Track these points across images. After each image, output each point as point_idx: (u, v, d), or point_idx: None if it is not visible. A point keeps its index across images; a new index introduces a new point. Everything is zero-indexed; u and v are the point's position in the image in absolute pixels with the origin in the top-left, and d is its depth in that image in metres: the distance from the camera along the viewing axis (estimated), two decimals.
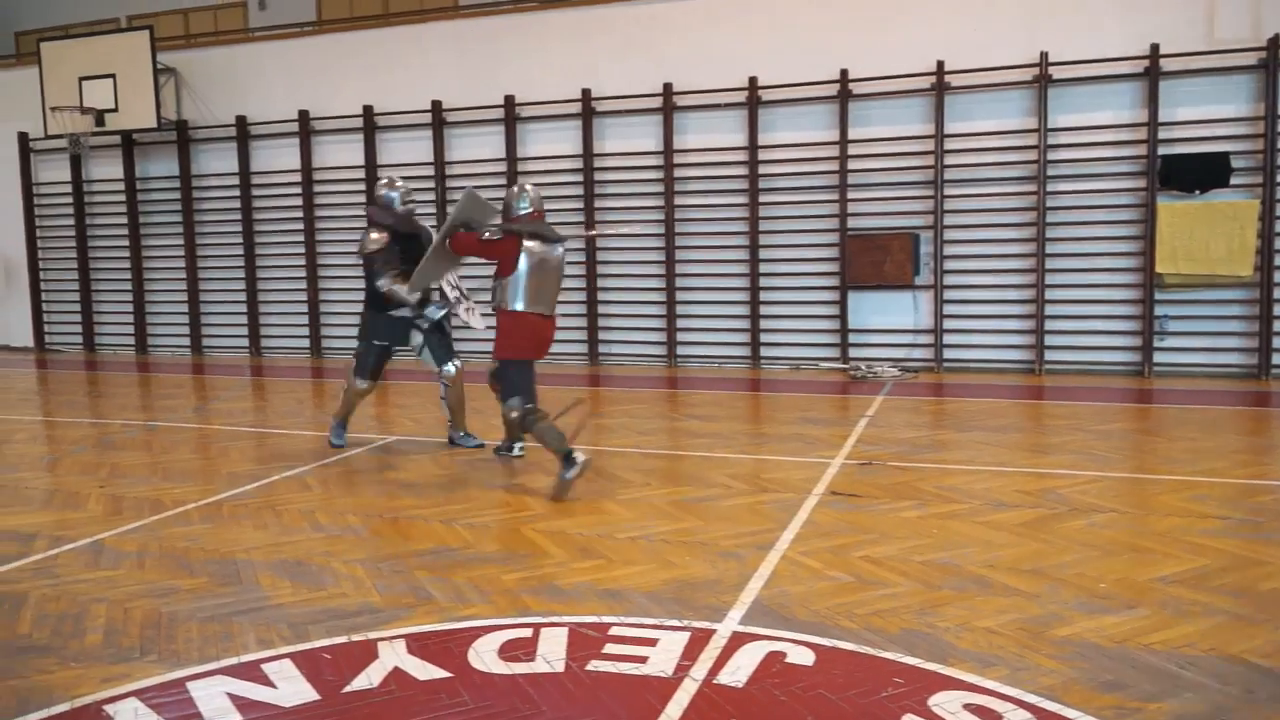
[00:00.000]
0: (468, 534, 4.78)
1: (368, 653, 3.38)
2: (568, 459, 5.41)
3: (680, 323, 11.25)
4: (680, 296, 11.22)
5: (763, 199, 10.75)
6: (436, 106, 11.93)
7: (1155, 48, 9.27)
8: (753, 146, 10.66)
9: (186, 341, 13.55)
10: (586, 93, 11.26)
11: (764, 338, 10.89)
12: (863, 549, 4.33)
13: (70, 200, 13.96)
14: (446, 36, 12.06)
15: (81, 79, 12.72)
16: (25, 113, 13.86)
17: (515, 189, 6.08)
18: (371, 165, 12.27)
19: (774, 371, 10.62)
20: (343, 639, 3.50)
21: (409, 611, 3.76)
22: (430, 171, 11.98)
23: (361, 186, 12.37)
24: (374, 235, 6.61)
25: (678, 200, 11.09)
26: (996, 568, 4.07)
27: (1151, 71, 9.32)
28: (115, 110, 12.63)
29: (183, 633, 3.59)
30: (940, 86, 9.96)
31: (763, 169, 10.72)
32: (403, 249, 6.65)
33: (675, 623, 3.52)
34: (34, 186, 14.17)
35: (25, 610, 3.84)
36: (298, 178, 12.69)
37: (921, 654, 3.19)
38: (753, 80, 10.60)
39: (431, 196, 11.86)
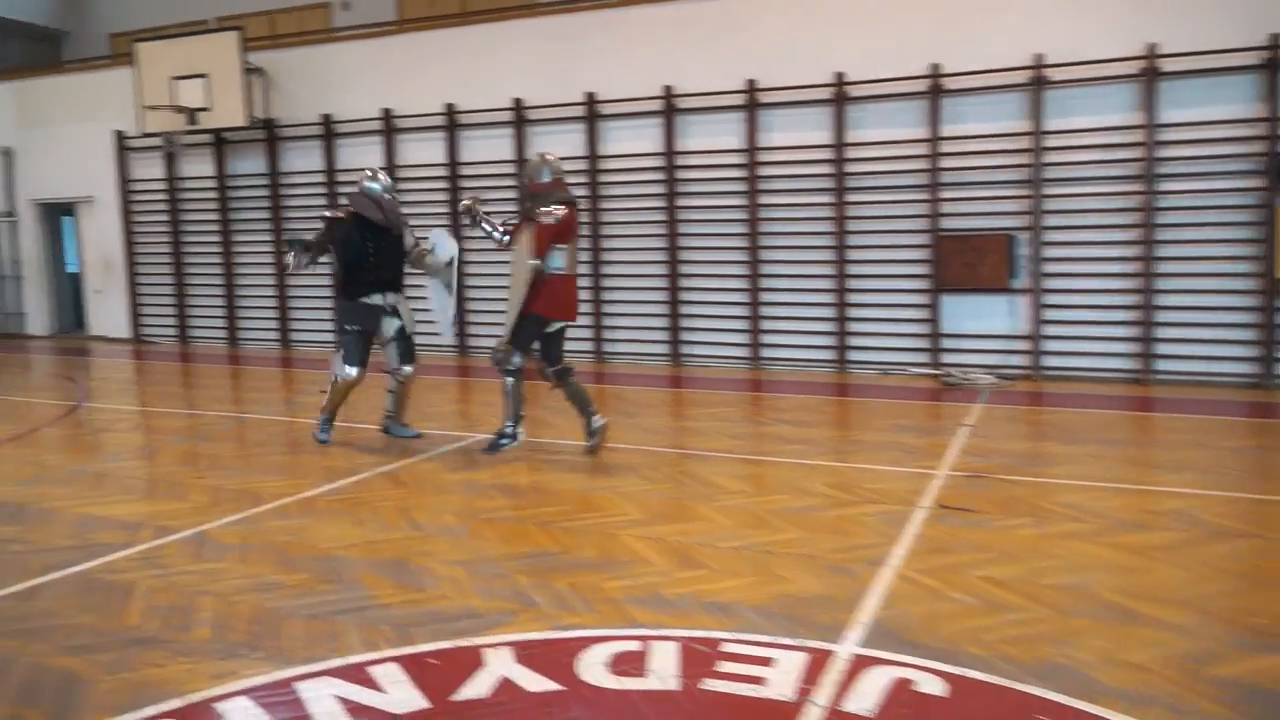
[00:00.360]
0: (565, 538, 4.70)
1: (474, 659, 3.31)
2: (516, 422, 6.58)
3: (764, 324, 11.06)
4: (764, 298, 11.02)
5: (849, 198, 10.50)
6: (517, 104, 11.92)
7: (1276, 37, 8.81)
8: (839, 144, 10.42)
9: (274, 335, 13.78)
10: (669, 89, 11.13)
11: (850, 341, 10.65)
12: (983, 569, 4.13)
13: (164, 197, 14.31)
14: (526, 34, 12.04)
15: (174, 78, 13.01)
16: (121, 112, 14.24)
17: (536, 159, 6.65)
18: (454, 163, 12.32)
19: (861, 376, 10.37)
20: (448, 643, 3.44)
21: (512, 617, 3.69)
22: (511, 169, 11.98)
23: (444, 184, 12.44)
24: (327, 214, 6.83)
25: (761, 199, 10.90)
26: (1135, 595, 3.83)
27: (1271, 64, 8.85)
28: (207, 109, 12.88)
29: (288, 630, 3.56)
30: (1038, 81, 9.61)
31: (849, 167, 10.47)
32: (377, 244, 6.71)
33: (790, 641, 3.38)
34: (129, 184, 14.56)
35: (134, 600, 3.86)
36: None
37: (1064, 688, 2.99)
38: (839, 76, 10.35)
39: (514, 194, 11.84)
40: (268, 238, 13.64)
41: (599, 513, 5.16)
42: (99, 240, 15.11)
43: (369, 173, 6.90)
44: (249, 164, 13.72)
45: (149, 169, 14.44)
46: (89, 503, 5.39)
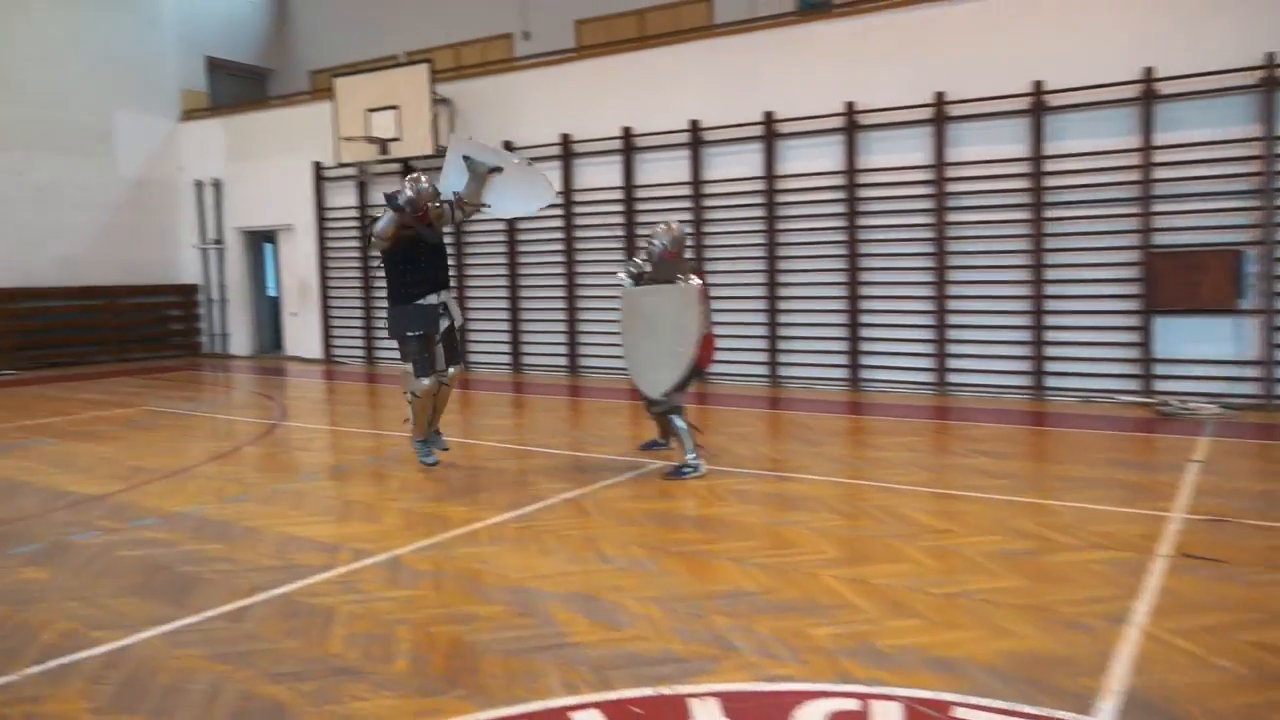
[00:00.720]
0: (761, 576, 4.44)
1: (679, 710, 3.10)
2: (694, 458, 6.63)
3: (951, 347, 10.48)
4: (951, 319, 10.45)
5: (1048, 213, 9.83)
6: (694, 125, 11.82)
7: None
8: (1037, 157, 9.77)
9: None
10: (850, 105, 10.76)
11: (1049, 366, 9.93)
12: (1251, 631, 3.61)
13: (356, 224, 15.01)
14: (704, 55, 11.94)
15: (369, 110, 13.62)
16: (319, 144, 15.07)
17: (676, 229, 6.88)
18: (630, 185, 12.33)
19: (1059, 404, 9.64)
20: (650, 690, 3.25)
21: (715, 664, 3.46)
22: (688, 191, 11.88)
23: (620, 206, 12.47)
24: (384, 215, 6.37)
25: (950, 217, 10.36)
26: None
27: None
28: (398, 139, 13.41)
29: (486, 666, 3.46)
30: (1269, 82, 8.72)
31: (1048, 180, 9.81)
32: (426, 244, 6.52)
33: (1035, 710, 3.01)
34: (325, 211, 15.35)
35: (335, 627, 3.86)
36: (559, 199, 12.97)
37: None
38: (1038, 85, 9.72)
39: (689, 216, 11.74)
40: (451, 262, 14.03)
41: (794, 549, 4.87)
42: (296, 265, 16.01)
43: (413, 177, 6.59)
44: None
45: (342, 197, 15.19)
46: (289, 522, 5.53)
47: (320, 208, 15.34)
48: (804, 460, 7.18)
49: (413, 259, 6.49)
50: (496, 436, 8.41)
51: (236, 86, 18.91)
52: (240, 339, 17.10)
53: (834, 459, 7.27)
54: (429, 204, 6.44)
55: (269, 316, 17.46)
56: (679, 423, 6.66)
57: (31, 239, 15.05)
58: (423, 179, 6.48)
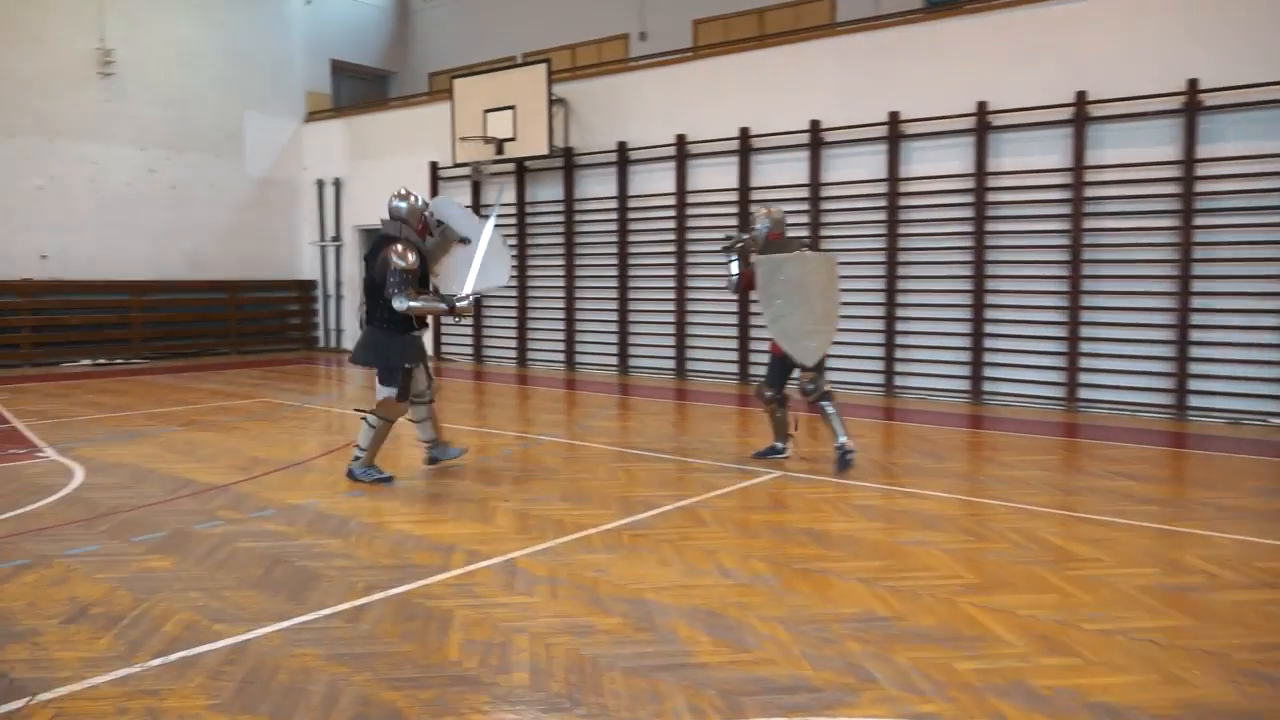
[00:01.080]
0: (895, 600, 4.16)
1: None
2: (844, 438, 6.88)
3: (1085, 361, 9.91)
4: (1085, 332, 9.88)
5: (1198, 221, 9.19)
6: (814, 126, 11.50)
7: None
8: (1189, 160, 9.15)
9: (561, 357, 14.15)
10: (982, 105, 10.29)
11: (1193, 384, 9.28)
12: None
13: None
14: (826, 53, 11.62)
15: (486, 111, 13.71)
16: (436, 144, 15.28)
17: (776, 213, 7.12)
18: (745, 187, 12.09)
19: (1205, 425, 9.00)
20: None
21: (852, 696, 3.21)
22: (805, 194, 11.57)
23: (734, 209, 12.24)
24: (410, 256, 6.15)
25: (1088, 223, 9.80)
26: None
27: None
28: (513, 139, 13.45)
29: (608, 683, 3.29)
30: None
31: (1200, 185, 9.17)
32: (424, 269, 6.46)
33: None
34: None
35: (452, 632, 3.75)
36: (672, 200, 12.82)
37: None
38: (1192, 83, 9.10)
39: (806, 219, 11.43)
40: (560, 262, 14.05)
41: (927, 572, 4.57)
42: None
43: (402, 191, 6.47)
44: (546, 191, 14.23)
45: (457, 197, 15.32)
46: (404, 520, 5.49)
47: None
48: (927, 475, 6.83)
49: (424, 285, 6.43)
50: (604, 438, 8.27)
51: (358, 88, 19.37)
52: (353, 334, 17.46)
53: (959, 475, 6.89)
54: (425, 216, 6.44)
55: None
56: (830, 408, 6.81)
57: (164, 234, 15.66)
58: (415, 195, 6.42)
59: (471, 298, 6.42)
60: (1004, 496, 6.16)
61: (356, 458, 6.44)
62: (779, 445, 7.30)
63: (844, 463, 6.82)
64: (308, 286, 17.72)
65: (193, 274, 15.94)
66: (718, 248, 7.31)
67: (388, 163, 16.34)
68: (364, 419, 6.41)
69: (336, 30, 18.37)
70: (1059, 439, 8.57)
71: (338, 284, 17.45)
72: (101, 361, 14.55)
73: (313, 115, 17.68)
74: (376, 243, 6.32)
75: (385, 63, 19.55)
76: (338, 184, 17.21)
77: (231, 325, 16.51)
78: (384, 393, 6.32)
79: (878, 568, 4.64)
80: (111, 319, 14.92)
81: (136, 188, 15.31)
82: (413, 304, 6.11)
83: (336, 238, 17.26)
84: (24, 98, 13.96)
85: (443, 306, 6.27)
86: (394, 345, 6.29)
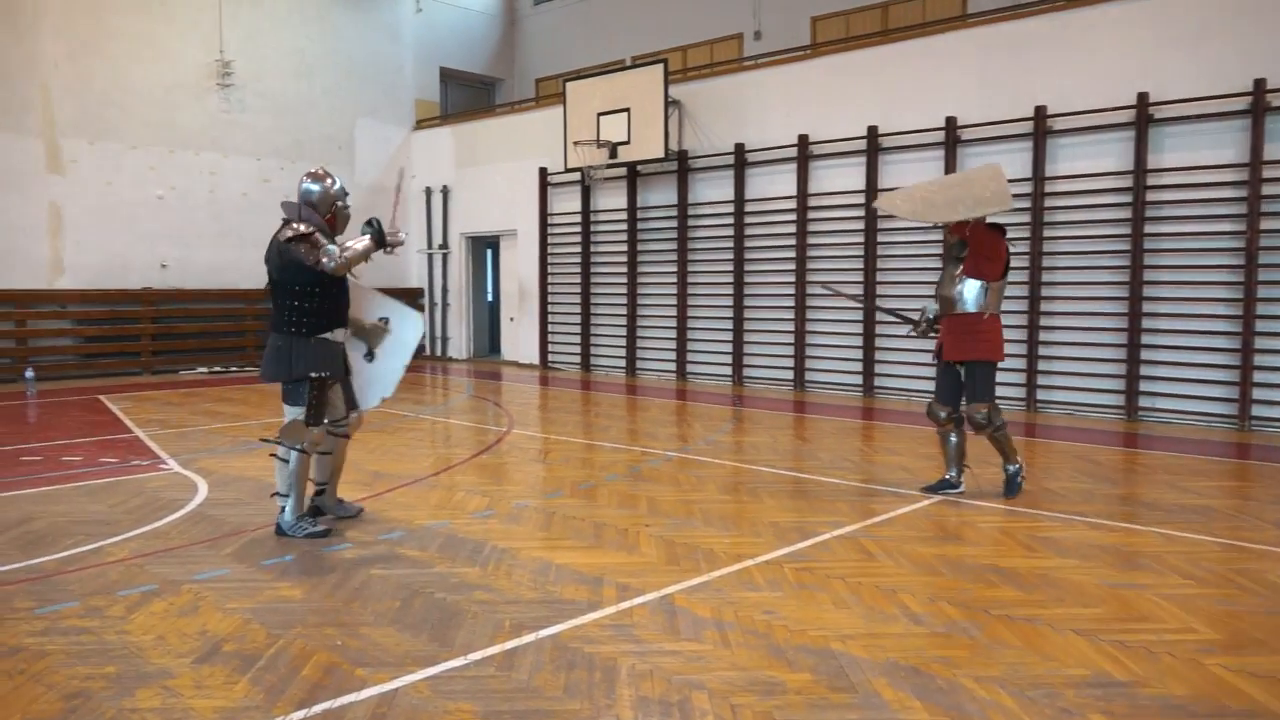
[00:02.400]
0: (1128, 659, 3.53)
1: None
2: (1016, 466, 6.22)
3: (1259, 375, 8.99)
4: (1260, 344, 8.96)
5: None
6: (950, 123, 10.79)
7: None
8: None
9: (672, 367, 13.68)
10: (1143, 97, 9.46)
11: None
12: None
13: (578, 229, 14.83)
14: (960, 46, 10.90)
15: (599, 114, 13.36)
16: (545, 149, 15.03)
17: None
18: (871, 188, 11.43)
19: None
20: None
21: None
22: None
23: (859, 211, 11.60)
24: (304, 227, 5.03)
25: (1265, 224, 8.89)
26: None
27: None
28: (627, 142, 13.06)
29: None
30: None
31: None
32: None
33: None
34: (549, 217, 15.27)
35: (620, 686, 3.28)
36: (792, 204, 12.24)
37: None
38: None
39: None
40: (672, 268, 13.60)
41: (1155, 623, 3.92)
42: (517, 271, 16.03)
43: (319, 170, 5.38)
44: (658, 195, 13.80)
45: (566, 203, 15.05)
46: (541, 546, 5.06)
47: (544, 213, 15.27)
48: (1106, 502, 6.12)
49: (325, 282, 5.09)
50: (732, 455, 7.75)
51: (465, 95, 19.31)
52: (458, 342, 17.33)
53: (1142, 503, 6.14)
54: (336, 205, 5.27)
55: (487, 321, 17.64)
56: (1000, 436, 6.14)
57: None
58: (332, 178, 5.32)
59: (402, 234, 5.26)
60: (1207, 530, 5.42)
61: (281, 508, 5.16)
62: (951, 477, 6.31)
63: (1013, 487, 6.19)
64: (415, 295, 17.65)
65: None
66: (907, 330, 6.81)
67: (495, 169, 16.17)
68: (273, 455, 5.13)
69: (445, 38, 18.33)
70: (1236, 461, 7.70)
71: (444, 292, 17.33)
72: (217, 369, 14.66)
73: (421, 123, 17.65)
74: (273, 237, 5.20)
75: (492, 69, 19.45)
76: (445, 192, 17.11)
77: None
78: (290, 413, 5.08)
79: (1094, 617, 4.01)
80: (226, 327, 15.04)
81: (253, 197, 15.43)
82: (345, 255, 4.93)
83: (444, 245, 17.15)
84: (147, 109, 14.17)
85: (368, 244, 5.06)
86: (298, 352, 5.00)
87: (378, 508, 5.88)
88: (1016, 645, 3.70)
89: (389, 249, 5.24)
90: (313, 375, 5.01)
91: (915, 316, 6.63)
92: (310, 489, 5.39)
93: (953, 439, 6.26)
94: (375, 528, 5.41)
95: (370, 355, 5.44)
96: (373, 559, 4.77)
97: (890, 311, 7.03)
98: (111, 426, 9.04)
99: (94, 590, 4.21)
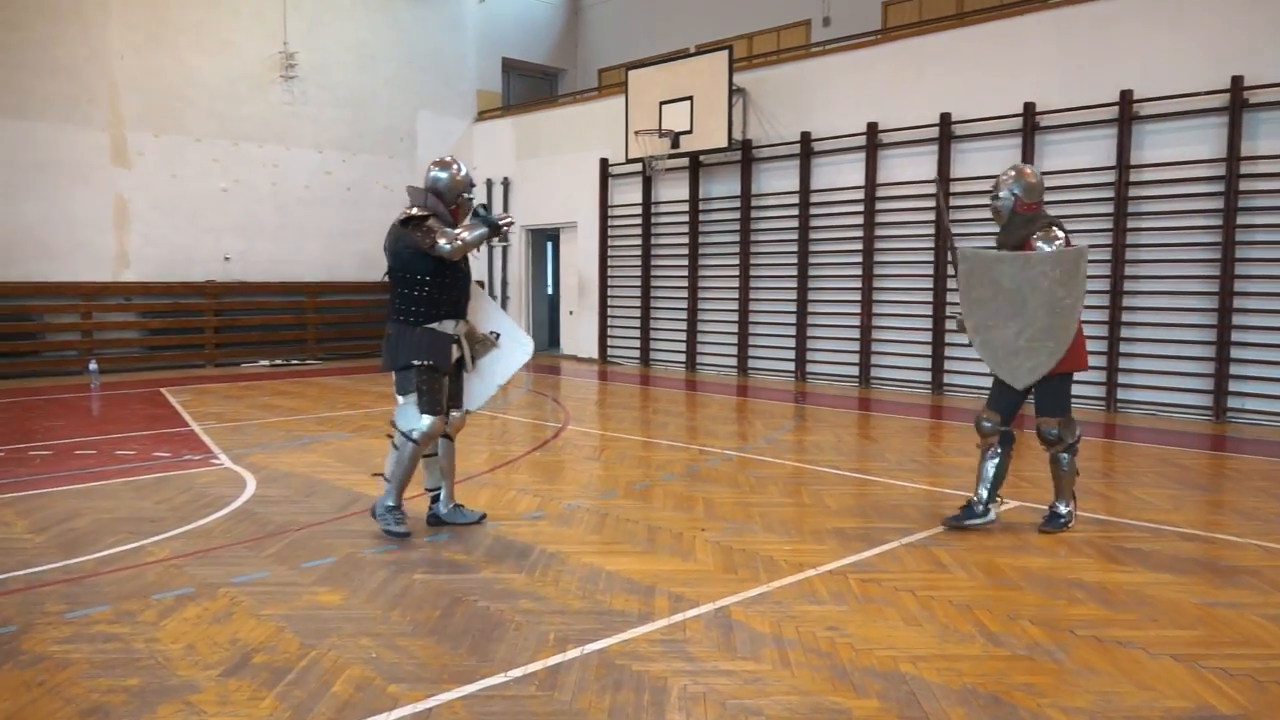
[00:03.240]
0: (1232, 690, 3.18)
1: None
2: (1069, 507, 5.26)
3: None
4: None
5: None
6: (1028, 109, 10.29)
7: None
8: None
9: (733, 362, 13.37)
10: (1237, 80, 8.88)
11: None
12: None
13: (639, 221, 14.58)
14: (1040, 28, 10.38)
15: (661, 103, 13.09)
16: (606, 139, 14.81)
17: (1029, 175, 5.23)
18: (945, 177, 10.97)
19: None
20: None
21: None
22: None
23: (930, 202, 11.16)
24: (417, 211, 4.92)
25: None
26: None
27: None
28: (690, 132, 12.77)
29: None
30: None
31: None
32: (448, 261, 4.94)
33: None
34: (609, 209, 15.05)
35: (669, 711, 3.03)
36: (860, 194, 11.83)
37: None
38: None
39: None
40: (733, 261, 13.28)
41: (1258, 648, 3.56)
42: (576, 263, 15.85)
43: (446, 159, 5.16)
44: (721, 186, 13.48)
45: (627, 194, 14.81)
46: (592, 550, 4.82)
47: (605, 205, 15.05)
48: (1198, 510, 5.69)
49: (440, 271, 4.98)
50: (794, 454, 7.43)
51: (528, 86, 19.18)
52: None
53: (1237, 511, 5.69)
54: (462, 196, 5.10)
55: (546, 314, 17.49)
56: (1067, 463, 5.18)
57: (339, 235, 15.79)
58: (459, 166, 5.13)
59: (509, 219, 5.00)
60: None
61: (386, 492, 5.10)
62: (978, 503, 5.24)
63: (1054, 524, 5.21)
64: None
65: (365, 275, 16.00)
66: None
67: (556, 161, 16.01)
68: (389, 436, 5.13)
69: (508, 28, 18.21)
70: None
71: (504, 284, 17.23)
72: (279, 362, 14.75)
73: (483, 114, 17.55)
74: (393, 223, 5.10)
75: (555, 60, 19.29)
76: (506, 183, 16.99)
77: None
78: (402, 403, 5.04)
79: (1190, 640, 3.65)
80: (288, 320, 15.11)
81: (314, 190, 15.48)
82: (461, 238, 4.85)
83: (504, 238, 17.00)
84: (211, 101, 14.28)
85: (484, 230, 4.89)
86: (405, 340, 4.95)
87: (425, 506, 5.71)
88: (1106, 671, 3.36)
89: (502, 238, 5.10)
90: (415, 363, 4.93)
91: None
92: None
93: (994, 458, 5.24)
94: (421, 528, 5.23)
95: (471, 364, 5.31)
96: (417, 562, 4.59)
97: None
98: (168, 420, 9.05)
99: (128, 593, 4.08)
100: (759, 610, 3.96)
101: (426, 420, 4.93)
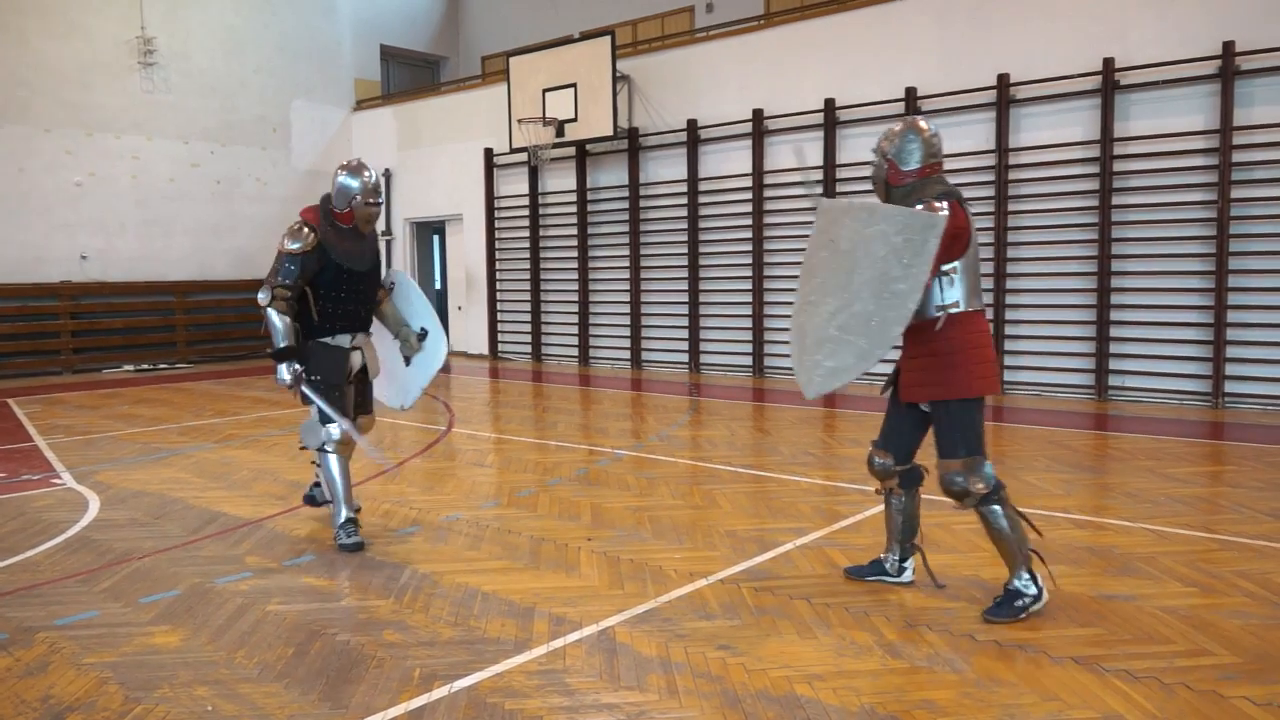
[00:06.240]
0: (1139, 695, 3.06)
1: None
2: (1028, 577, 3.79)
3: (1231, 350, 8.62)
4: (1234, 317, 8.59)
5: None
6: (909, 94, 10.30)
7: None
8: None
9: (627, 355, 13.11)
10: (1108, 62, 9.02)
11: None
12: None
13: (526, 212, 14.18)
14: (920, 12, 10.39)
15: (545, 90, 12.71)
16: (490, 129, 14.35)
17: (906, 131, 3.89)
18: (830, 164, 10.91)
19: None
20: None
21: None
22: None
23: (818, 188, 11.07)
24: (293, 244, 4.78)
25: (1236, 192, 8.49)
26: None
27: None
28: (574, 120, 12.43)
29: None
30: None
31: None
32: (337, 273, 4.85)
33: None
34: (495, 201, 14.59)
35: None
36: (748, 182, 11.69)
37: None
38: None
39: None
40: (623, 251, 13.01)
41: (1161, 645, 3.45)
42: (464, 257, 15.35)
43: (351, 164, 4.95)
44: (609, 175, 13.19)
45: (513, 185, 14.38)
46: (469, 569, 4.47)
47: (491, 196, 14.58)
48: (1096, 495, 5.67)
49: (336, 284, 4.87)
50: (688, 452, 7.21)
51: (408, 75, 18.52)
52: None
53: (1136, 495, 5.68)
54: (354, 200, 4.88)
55: (435, 310, 16.89)
56: (1001, 518, 3.76)
57: (209, 232, 14.93)
58: (369, 172, 4.93)
59: (293, 375, 4.76)
60: (1200, 524, 4.98)
61: (334, 511, 4.90)
62: (886, 557, 4.20)
63: (1008, 610, 3.73)
64: None
65: (239, 273, 15.16)
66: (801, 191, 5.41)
67: (439, 151, 15.45)
68: (312, 462, 4.97)
69: (386, 14, 17.51)
70: (1213, 442, 7.30)
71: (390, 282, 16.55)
72: (145, 367, 13.85)
73: (361, 104, 16.84)
74: None
75: (436, 47, 18.66)
76: (388, 175, 16.33)
77: None
78: (309, 416, 4.91)
79: (1090, 639, 3.52)
80: (154, 322, 14.20)
81: (180, 183, 14.58)
82: (267, 309, 4.76)
83: (387, 231, 16.39)
84: (62, 89, 13.26)
85: (275, 345, 4.80)
86: (307, 354, 4.88)
87: (290, 525, 5.26)
88: (1010, 681, 3.19)
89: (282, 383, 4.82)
90: (313, 378, 4.85)
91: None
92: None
93: (898, 505, 4.14)
94: (283, 550, 4.80)
95: (378, 372, 5.27)
96: (273, 591, 4.16)
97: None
98: (10, 435, 8.29)
99: None
100: (645, 630, 3.68)
101: (334, 429, 4.84)
